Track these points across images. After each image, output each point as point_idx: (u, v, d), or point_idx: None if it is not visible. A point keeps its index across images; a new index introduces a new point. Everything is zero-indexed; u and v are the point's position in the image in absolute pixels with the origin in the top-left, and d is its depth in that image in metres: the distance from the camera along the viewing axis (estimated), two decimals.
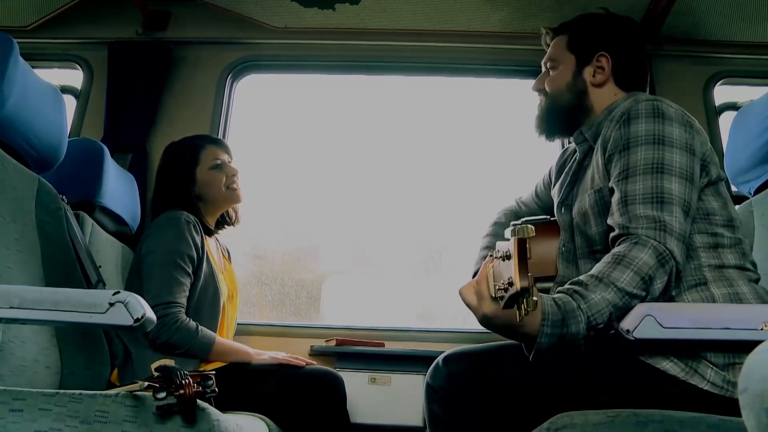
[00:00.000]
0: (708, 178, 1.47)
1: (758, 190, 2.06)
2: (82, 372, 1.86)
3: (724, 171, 1.55)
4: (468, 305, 1.30)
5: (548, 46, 1.84)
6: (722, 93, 2.99)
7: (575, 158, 1.74)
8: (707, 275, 1.41)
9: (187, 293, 2.09)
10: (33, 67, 1.88)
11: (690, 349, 1.31)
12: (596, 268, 1.34)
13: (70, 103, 3.00)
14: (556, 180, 1.85)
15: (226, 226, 2.48)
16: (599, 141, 1.55)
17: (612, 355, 1.35)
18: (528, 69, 3.12)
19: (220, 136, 2.99)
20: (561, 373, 1.36)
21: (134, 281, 2.15)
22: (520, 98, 3.40)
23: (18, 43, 1.77)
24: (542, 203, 2.03)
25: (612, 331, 1.29)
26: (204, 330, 2.05)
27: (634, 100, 1.51)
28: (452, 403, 1.39)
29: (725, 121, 2.91)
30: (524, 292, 1.03)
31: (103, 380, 1.96)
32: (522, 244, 1.04)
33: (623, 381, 1.34)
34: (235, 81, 3.15)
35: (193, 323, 2.03)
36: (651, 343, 1.27)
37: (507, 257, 1.09)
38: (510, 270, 1.06)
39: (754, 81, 3.04)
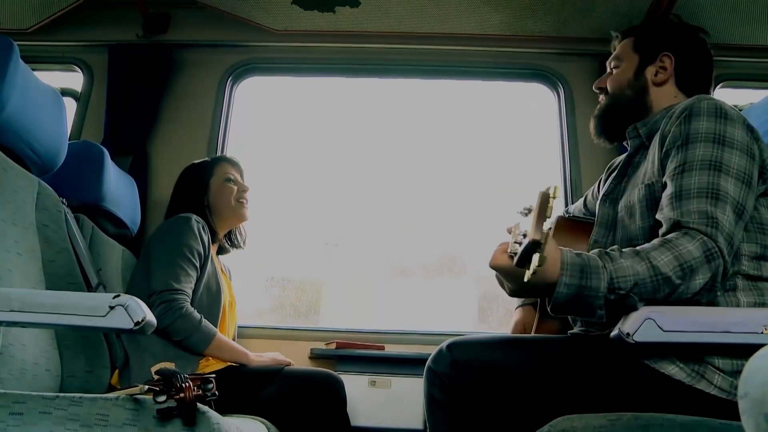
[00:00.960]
0: (766, 186, 1.44)
1: None
2: (82, 375, 1.86)
3: None
4: (501, 273, 1.32)
5: (614, 49, 1.85)
6: (723, 96, 2.99)
7: (624, 155, 1.73)
8: (739, 283, 1.38)
9: (192, 285, 2.12)
10: (33, 69, 1.88)
11: (694, 354, 1.31)
12: (640, 246, 1.33)
13: (71, 106, 3.00)
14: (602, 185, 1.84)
15: (234, 249, 2.55)
16: (657, 136, 1.53)
17: (617, 357, 1.34)
18: (528, 71, 3.14)
19: (220, 139, 3.01)
20: (565, 372, 1.36)
21: (137, 281, 2.15)
22: (519, 100, 3.41)
23: (18, 45, 1.77)
24: (590, 214, 2.00)
25: (630, 308, 1.27)
26: (206, 323, 2.07)
27: (696, 98, 1.50)
28: (453, 389, 1.38)
29: None
30: (536, 244, 1.05)
31: (103, 383, 1.95)
32: (545, 199, 1.07)
33: (627, 384, 1.33)
34: (235, 84, 3.16)
35: (197, 314, 2.06)
36: (652, 347, 1.27)
37: (528, 212, 1.12)
38: (528, 224, 1.09)
39: (755, 84, 3.04)
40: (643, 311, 1.23)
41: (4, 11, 2.95)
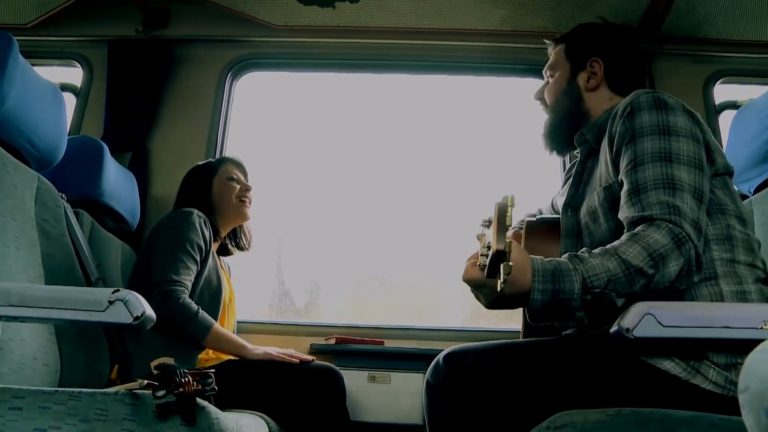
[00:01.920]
0: (715, 168, 1.46)
1: (758, 189, 2.06)
2: (81, 370, 1.87)
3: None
4: (473, 286, 1.32)
5: (549, 56, 1.86)
6: (722, 92, 2.99)
7: (576, 161, 1.74)
8: (718, 269, 1.39)
9: (192, 278, 2.13)
10: (33, 65, 1.88)
11: (691, 349, 1.31)
12: (609, 245, 1.34)
13: (70, 101, 3.00)
14: (562, 188, 1.85)
15: (238, 250, 2.56)
16: (605, 139, 1.55)
17: (613, 355, 1.35)
18: (527, 67, 3.13)
19: (219, 135, 3.01)
20: (562, 373, 1.36)
21: (138, 276, 2.16)
22: (519, 96, 3.41)
23: (18, 40, 1.77)
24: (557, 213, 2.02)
25: (611, 304, 1.28)
26: (204, 314, 2.07)
27: (634, 93, 1.51)
28: (453, 401, 1.38)
29: (725, 120, 2.91)
30: (500, 255, 1.08)
31: (102, 378, 1.96)
32: (502, 209, 1.11)
33: (624, 381, 1.33)
34: (234, 79, 3.15)
35: (194, 305, 2.06)
36: (651, 342, 1.27)
37: (489, 224, 1.16)
38: (491, 235, 1.12)
39: (754, 80, 3.04)
40: (643, 306, 1.22)
41: (3, 6, 2.95)
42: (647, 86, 1.75)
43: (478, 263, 1.26)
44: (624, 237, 1.34)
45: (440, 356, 1.45)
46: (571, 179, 1.73)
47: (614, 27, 1.80)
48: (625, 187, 1.43)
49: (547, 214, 2.07)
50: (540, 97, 1.84)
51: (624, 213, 1.42)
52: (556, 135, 1.79)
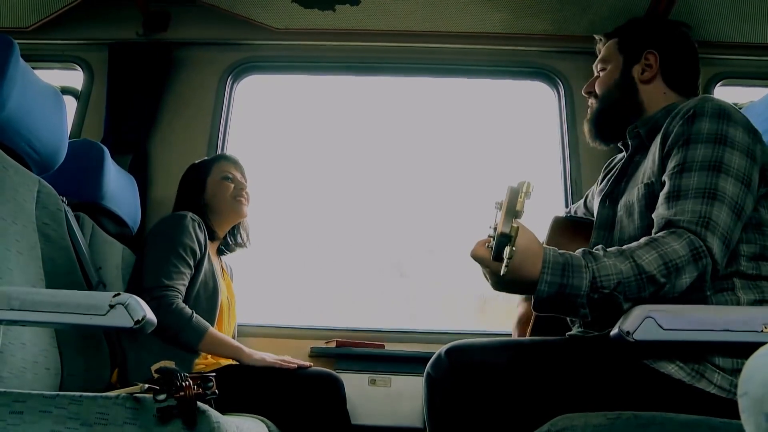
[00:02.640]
0: (766, 188, 1.44)
1: None
2: (82, 374, 1.86)
3: None
4: (480, 264, 1.32)
5: (599, 53, 1.86)
6: (722, 94, 3.00)
7: (625, 155, 1.73)
8: (736, 282, 1.38)
9: (185, 283, 2.12)
10: (33, 68, 1.88)
11: (694, 353, 1.31)
12: (626, 246, 1.34)
13: (71, 104, 3.00)
14: (600, 183, 1.85)
15: (238, 248, 2.56)
16: (659, 135, 1.53)
17: (616, 358, 1.34)
18: (528, 69, 3.14)
19: (220, 137, 3.01)
20: (565, 374, 1.36)
21: (135, 280, 2.16)
22: (519, 99, 3.41)
23: (18, 44, 1.77)
24: (590, 213, 2.01)
25: (617, 306, 1.28)
26: (198, 318, 2.07)
27: (701, 99, 1.49)
28: (453, 395, 1.38)
29: None
30: (505, 238, 1.10)
31: (103, 382, 1.96)
32: (513, 194, 1.11)
33: (627, 384, 1.33)
34: (235, 82, 3.16)
35: (188, 309, 2.06)
36: (652, 345, 1.27)
37: (500, 207, 1.16)
38: (498, 218, 1.14)
39: (755, 82, 3.04)
40: (643, 310, 1.22)
41: (4, 10, 2.95)
42: (700, 83, 1.76)
43: (486, 244, 1.27)
44: (643, 240, 1.34)
45: (442, 350, 1.44)
46: (613, 172, 1.72)
47: (669, 22, 1.81)
48: (666, 188, 1.42)
49: (579, 212, 2.07)
50: (589, 90, 1.83)
51: (658, 211, 1.41)
52: (603, 123, 1.78)
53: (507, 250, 1.11)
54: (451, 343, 1.45)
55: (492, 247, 1.18)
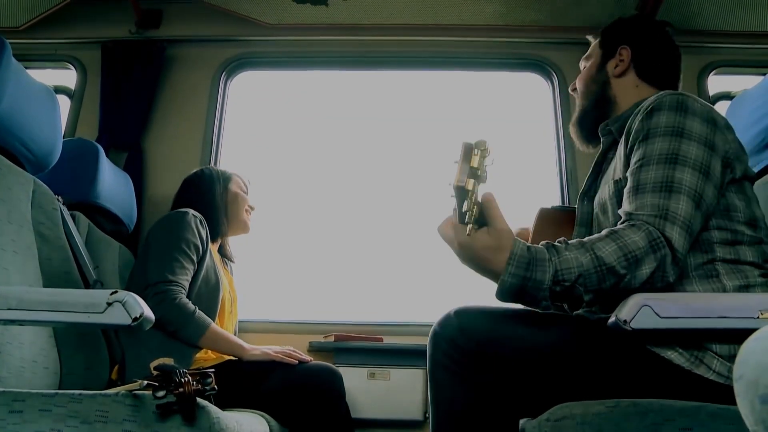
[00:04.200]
0: (732, 175, 1.46)
1: (754, 179, 2.06)
2: (81, 372, 1.87)
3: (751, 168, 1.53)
4: (445, 240, 1.34)
5: None
6: (716, 83, 3.00)
7: (599, 149, 1.76)
8: (719, 269, 1.40)
9: (189, 278, 2.13)
10: (26, 67, 1.88)
11: (689, 340, 1.31)
12: (587, 237, 1.36)
13: (64, 104, 2.99)
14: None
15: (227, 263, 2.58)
16: (624, 133, 1.56)
17: (619, 343, 1.35)
18: (522, 61, 3.14)
19: (214, 134, 3.01)
20: (568, 351, 1.36)
21: (136, 277, 2.16)
22: (514, 90, 3.41)
23: (10, 43, 1.77)
24: None
25: (578, 298, 1.30)
26: (201, 313, 2.07)
27: (661, 93, 1.51)
28: (458, 354, 1.38)
29: (719, 110, 2.91)
30: (461, 191, 1.12)
31: (102, 380, 1.96)
32: (467, 149, 1.13)
33: (629, 369, 1.34)
34: (229, 78, 3.15)
35: (191, 305, 2.07)
36: (649, 334, 1.28)
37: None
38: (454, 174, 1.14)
39: (748, 70, 3.04)
40: (640, 298, 1.23)
41: None
42: (678, 77, 1.78)
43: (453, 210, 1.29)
44: (604, 232, 1.35)
45: (452, 310, 1.44)
46: (592, 168, 1.75)
47: (648, 18, 1.86)
48: (629, 183, 1.44)
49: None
50: (573, 87, 1.86)
51: (622, 207, 1.44)
52: (584, 122, 1.81)
53: (466, 203, 1.13)
54: (461, 305, 1.46)
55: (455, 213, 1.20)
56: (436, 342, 1.43)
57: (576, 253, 1.30)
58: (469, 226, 1.18)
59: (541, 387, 1.33)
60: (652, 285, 1.31)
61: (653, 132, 1.45)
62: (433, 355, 1.43)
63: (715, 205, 1.43)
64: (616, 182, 1.54)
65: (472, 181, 1.11)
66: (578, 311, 1.61)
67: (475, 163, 1.12)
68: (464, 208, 1.15)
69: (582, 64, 1.87)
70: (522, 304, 1.35)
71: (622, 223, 1.40)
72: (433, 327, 1.46)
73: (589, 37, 1.91)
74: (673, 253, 1.32)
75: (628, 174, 1.47)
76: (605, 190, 1.59)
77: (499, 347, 1.36)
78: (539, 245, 1.33)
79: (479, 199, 1.20)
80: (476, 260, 1.31)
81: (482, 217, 1.26)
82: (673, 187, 1.37)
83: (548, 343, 1.38)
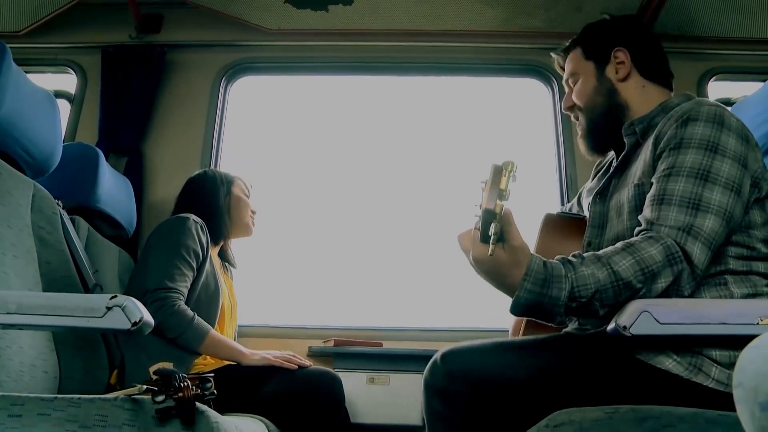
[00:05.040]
0: (759, 194, 1.44)
1: None
2: (80, 376, 1.86)
3: None
4: (463, 250, 1.34)
5: (562, 67, 1.84)
6: (716, 89, 3.00)
7: (621, 153, 1.70)
8: (729, 278, 1.39)
9: (188, 284, 2.13)
10: (26, 72, 1.88)
11: (691, 347, 1.31)
12: (602, 251, 1.34)
13: (64, 108, 3.00)
14: (592, 180, 1.86)
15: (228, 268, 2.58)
16: (652, 136, 1.52)
17: (612, 356, 1.35)
18: (521, 67, 3.14)
19: (214, 139, 3.02)
20: (562, 371, 1.36)
21: (136, 282, 2.16)
22: (514, 96, 3.41)
23: (11, 48, 1.77)
24: (584, 211, 2.00)
25: (593, 312, 1.29)
26: (200, 320, 2.08)
27: (697, 102, 1.49)
28: (451, 400, 1.38)
29: None
30: (489, 214, 1.12)
31: (101, 384, 1.96)
32: (497, 170, 1.13)
33: (625, 380, 1.33)
34: (229, 83, 3.16)
35: (190, 311, 2.07)
36: (649, 340, 1.28)
37: (485, 185, 1.17)
38: (483, 197, 1.15)
39: (748, 77, 3.05)
40: (639, 304, 1.23)
41: None
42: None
43: (475, 227, 1.28)
44: (620, 245, 1.34)
45: (437, 355, 1.44)
46: (605, 169, 1.72)
47: (624, 17, 1.80)
48: (653, 190, 1.42)
49: (573, 210, 2.06)
50: (569, 105, 1.79)
51: (643, 213, 1.41)
52: (596, 134, 1.73)
53: (493, 226, 1.13)
54: (446, 348, 1.45)
55: (479, 228, 1.20)
56: (429, 392, 1.43)
57: (593, 269, 1.29)
58: (491, 247, 1.18)
59: (540, 410, 1.32)
60: (666, 297, 1.30)
61: (687, 142, 1.41)
62: (429, 405, 1.44)
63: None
64: (637, 186, 1.51)
65: (501, 204, 1.12)
66: (567, 329, 1.60)
67: (503, 185, 1.12)
68: (490, 231, 1.14)
69: (569, 82, 1.80)
70: (535, 318, 1.34)
71: (641, 231, 1.38)
72: (423, 375, 1.46)
73: (556, 54, 1.85)
74: (692, 268, 1.31)
75: (653, 179, 1.44)
76: (623, 193, 1.56)
77: (493, 383, 1.36)
78: (555, 260, 1.31)
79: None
80: (492, 275, 1.30)
81: (501, 234, 1.24)
82: (700, 205, 1.35)
83: (541, 368, 1.37)
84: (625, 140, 1.67)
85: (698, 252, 1.31)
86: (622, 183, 1.61)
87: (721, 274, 1.40)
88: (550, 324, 1.34)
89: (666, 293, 1.30)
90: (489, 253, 1.19)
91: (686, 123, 1.43)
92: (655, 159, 1.48)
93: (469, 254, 1.31)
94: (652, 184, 1.45)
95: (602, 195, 1.67)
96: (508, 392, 1.36)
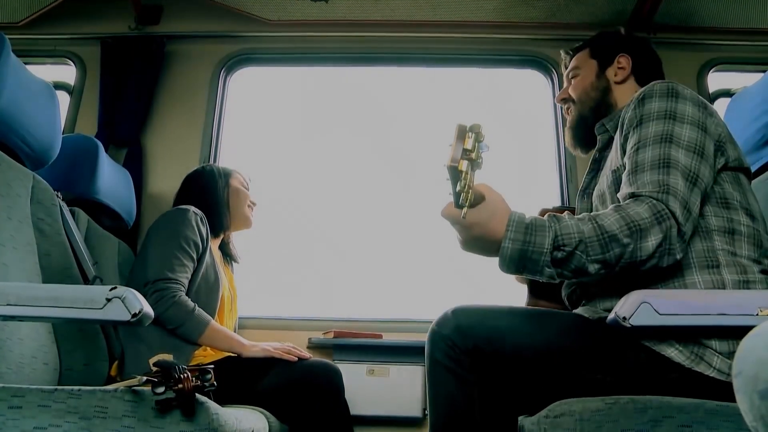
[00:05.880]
0: (725, 159, 1.49)
1: (753, 176, 2.06)
2: (80, 368, 1.87)
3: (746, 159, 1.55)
4: (449, 222, 1.35)
5: (567, 66, 1.95)
6: (716, 80, 3.00)
7: (597, 147, 1.80)
8: (720, 258, 1.41)
9: (188, 275, 2.14)
10: (25, 63, 1.88)
11: (693, 336, 1.31)
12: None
13: (64, 99, 2.99)
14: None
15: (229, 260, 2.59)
16: (618, 125, 1.60)
17: (618, 340, 1.35)
18: (521, 58, 3.14)
19: (214, 130, 3.01)
20: (568, 347, 1.36)
21: (136, 273, 2.16)
22: (515, 87, 3.41)
23: (10, 39, 1.77)
24: None
25: (584, 270, 1.31)
26: (200, 311, 2.08)
27: (651, 83, 1.57)
28: (455, 352, 1.38)
29: (719, 107, 2.91)
30: (454, 172, 1.12)
31: (101, 376, 1.96)
32: (461, 130, 1.13)
33: (628, 366, 1.34)
34: (228, 74, 3.15)
35: (190, 302, 2.07)
36: (648, 330, 1.28)
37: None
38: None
39: (748, 67, 3.04)
40: (639, 295, 1.23)
41: None
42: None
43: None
44: (609, 208, 1.38)
45: (449, 308, 1.44)
46: (590, 166, 1.79)
47: (632, 33, 1.92)
48: (627, 168, 1.47)
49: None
50: (563, 97, 1.90)
51: (621, 190, 1.45)
52: (582, 126, 1.85)
53: (459, 184, 1.13)
54: (459, 304, 1.46)
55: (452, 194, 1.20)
56: (435, 341, 1.43)
57: (577, 222, 1.32)
58: (464, 209, 1.19)
59: (540, 384, 1.33)
60: (659, 260, 1.32)
61: (646, 117, 1.50)
62: (432, 354, 1.43)
63: (711, 189, 1.46)
64: (613, 171, 1.57)
65: (465, 162, 1.11)
66: (577, 309, 1.61)
67: (468, 144, 1.12)
68: (457, 189, 1.15)
69: (570, 75, 1.91)
70: (526, 274, 1.35)
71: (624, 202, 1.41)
72: (431, 326, 1.46)
73: (566, 53, 1.96)
74: (678, 226, 1.33)
75: (625, 159, 1.50)
76: (603, 182, 1.62)
77: (498, 345, 1.36)
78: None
79: (473, 184, 1.20)
80: (476, 237, 1.32)
81: (477, 201, 1.27)
82: (670, 163, 1.40)
83: (547, 340, 1.38)
84: (598, 138, 1.79)
85: (678, 210, 1.35)
86: (601, 175, 1.69)
87: (711, 251, 1.42)
88: (539, 278, 1.35)
89: (657, 252, 1.31)
90: (462, 215, 1.20)
91: (643, 101, 1.53)
92: (623, 143, 1.55)
93: (455, 223, 1.34)
94: (624, 165, 1.51)
95: (587, 192, 1.77)
96: (513, 356, 1.37)
